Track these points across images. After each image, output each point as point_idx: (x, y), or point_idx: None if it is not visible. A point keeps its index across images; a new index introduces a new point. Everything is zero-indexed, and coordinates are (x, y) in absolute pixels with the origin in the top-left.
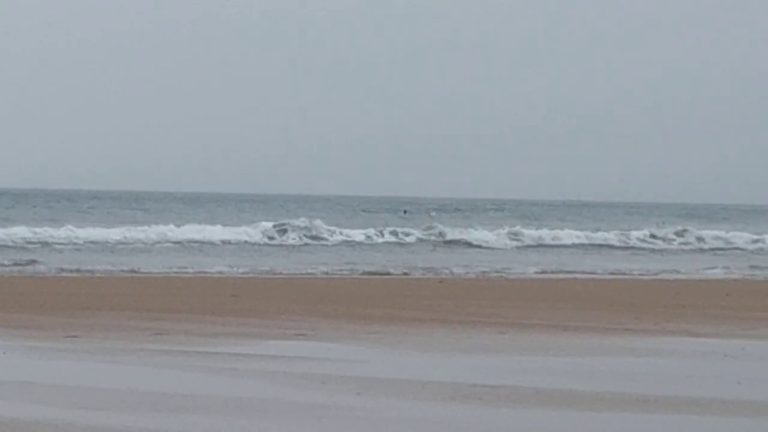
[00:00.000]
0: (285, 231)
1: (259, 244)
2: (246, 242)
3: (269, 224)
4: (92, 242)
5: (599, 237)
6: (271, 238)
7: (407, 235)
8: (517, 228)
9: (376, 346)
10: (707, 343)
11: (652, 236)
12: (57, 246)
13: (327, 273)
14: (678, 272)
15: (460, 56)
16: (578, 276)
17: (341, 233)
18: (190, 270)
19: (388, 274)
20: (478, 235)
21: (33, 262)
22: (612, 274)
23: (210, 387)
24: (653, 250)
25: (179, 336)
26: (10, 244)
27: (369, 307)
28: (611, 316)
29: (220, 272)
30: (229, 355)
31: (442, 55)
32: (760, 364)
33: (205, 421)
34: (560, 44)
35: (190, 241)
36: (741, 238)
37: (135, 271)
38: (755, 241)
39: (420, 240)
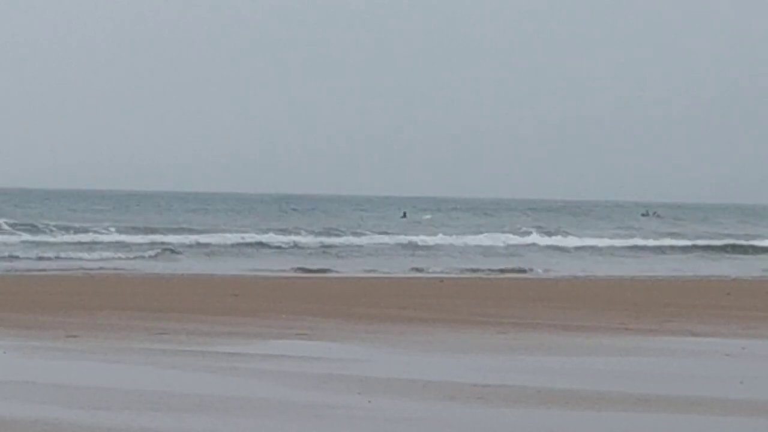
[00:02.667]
0: None
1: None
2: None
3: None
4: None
5: None
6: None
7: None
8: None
9: (376, 346)
10: (707, 343)
11: None
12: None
13: None
14: None
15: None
16: (579, 276)
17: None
18: None
19: None
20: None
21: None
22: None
23: (210, 387)
24: None
25: (180, 335)
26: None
27: (369, 307)
28: (611, 316)
29: None
30: (229, 354)
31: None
32: (760, 363)
33: (205, 421)
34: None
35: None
36: None
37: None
38: None
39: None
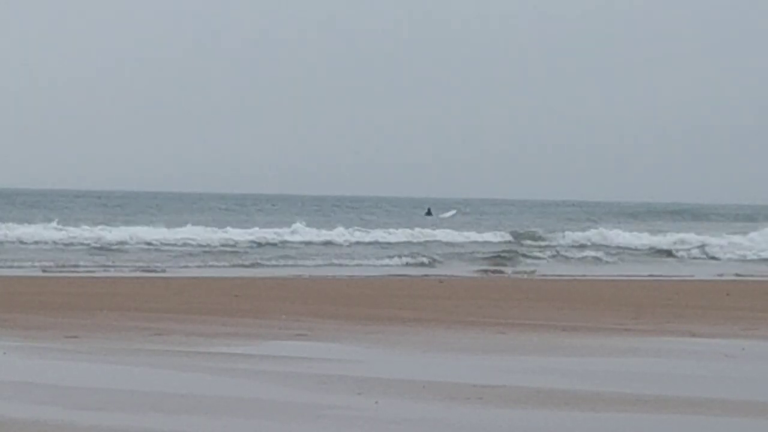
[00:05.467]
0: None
1: None
2: None
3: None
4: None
5: None
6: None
7: None
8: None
9: (376, 346)
10: (707, 343)
11: None
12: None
13: None
14: None
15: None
16: (578, 277)
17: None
18: None
19: None
20: None
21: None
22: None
23: (210, 387)
24: None
25: (180, 336)
26: None
27: (369, 307)
28: (611, 316)
29: None
30: (229, 355)
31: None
32: (760, 364)
33: (205, 421)
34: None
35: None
36: None
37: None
38: None
39: None
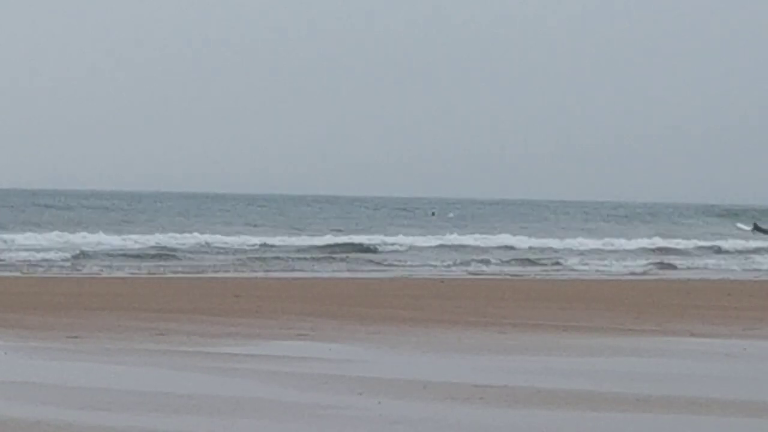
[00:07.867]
0: None
1: None
2: None
3: None
4: None
5: None
6: None
7: None
8: None
9: (376, 346)
10: (708, 343)
11: None
12: None
13: None
14: None
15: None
16: (579, 276)
17: None
18: None
19: None
20: None
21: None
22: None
23: (210, 387)
24: None
25: (180, 336)
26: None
27: (369, 307)
28: (612, 316)
29: None
30: (229, 355)
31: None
32: (761, 364)
33: (205, 421)
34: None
35: None
36: None
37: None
38: None
39: None
